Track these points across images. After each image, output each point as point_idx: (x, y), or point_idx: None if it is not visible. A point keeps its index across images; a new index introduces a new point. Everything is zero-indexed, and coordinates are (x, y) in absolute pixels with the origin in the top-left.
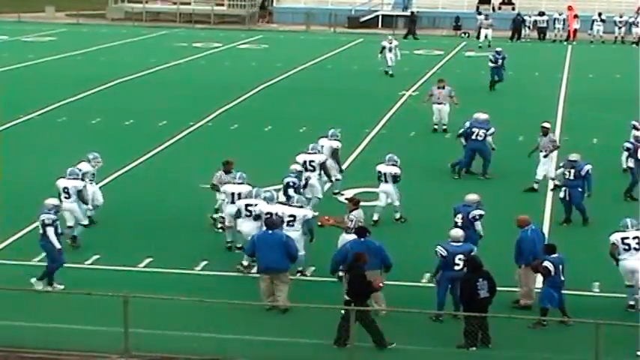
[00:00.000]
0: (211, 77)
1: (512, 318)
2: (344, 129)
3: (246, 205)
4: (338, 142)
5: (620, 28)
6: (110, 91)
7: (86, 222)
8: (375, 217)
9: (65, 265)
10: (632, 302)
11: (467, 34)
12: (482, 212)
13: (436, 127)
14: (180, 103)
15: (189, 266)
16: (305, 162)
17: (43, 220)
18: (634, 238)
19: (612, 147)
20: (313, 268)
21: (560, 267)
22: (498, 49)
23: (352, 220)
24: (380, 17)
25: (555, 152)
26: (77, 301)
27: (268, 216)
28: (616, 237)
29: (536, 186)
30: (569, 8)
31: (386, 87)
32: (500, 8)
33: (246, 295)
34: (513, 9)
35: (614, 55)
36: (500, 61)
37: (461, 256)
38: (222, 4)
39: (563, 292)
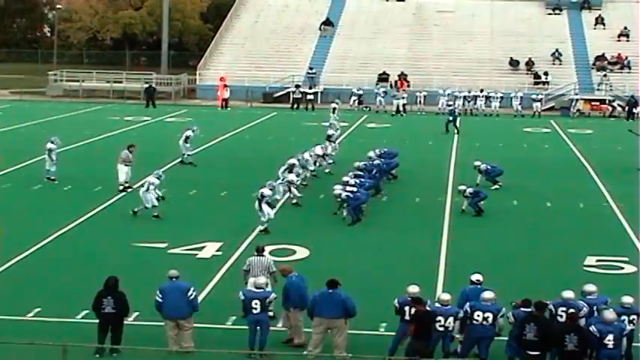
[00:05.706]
0: (141, 148)
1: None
2: None
3: None
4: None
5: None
6: None
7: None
8: None
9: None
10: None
11: (368, 108)
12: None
13: None
14: (113, 170)
15: None
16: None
17: None
18: None
19: (502, 208)
20: (234, 318)
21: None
22: None
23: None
24: (291, 93)
25: None
26: (18, 352)
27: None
28: None
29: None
30: (221, 79)
31: None
32: (396, 84)
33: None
34: (409, 86)
35: (496, 126)
36: None
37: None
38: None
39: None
